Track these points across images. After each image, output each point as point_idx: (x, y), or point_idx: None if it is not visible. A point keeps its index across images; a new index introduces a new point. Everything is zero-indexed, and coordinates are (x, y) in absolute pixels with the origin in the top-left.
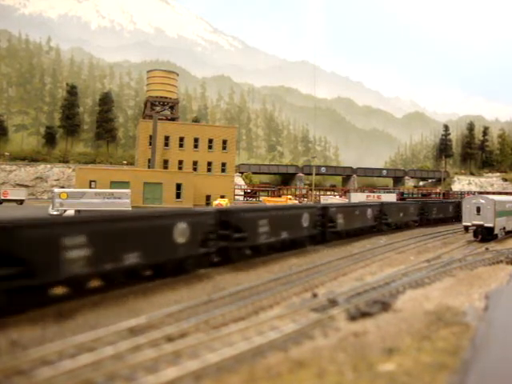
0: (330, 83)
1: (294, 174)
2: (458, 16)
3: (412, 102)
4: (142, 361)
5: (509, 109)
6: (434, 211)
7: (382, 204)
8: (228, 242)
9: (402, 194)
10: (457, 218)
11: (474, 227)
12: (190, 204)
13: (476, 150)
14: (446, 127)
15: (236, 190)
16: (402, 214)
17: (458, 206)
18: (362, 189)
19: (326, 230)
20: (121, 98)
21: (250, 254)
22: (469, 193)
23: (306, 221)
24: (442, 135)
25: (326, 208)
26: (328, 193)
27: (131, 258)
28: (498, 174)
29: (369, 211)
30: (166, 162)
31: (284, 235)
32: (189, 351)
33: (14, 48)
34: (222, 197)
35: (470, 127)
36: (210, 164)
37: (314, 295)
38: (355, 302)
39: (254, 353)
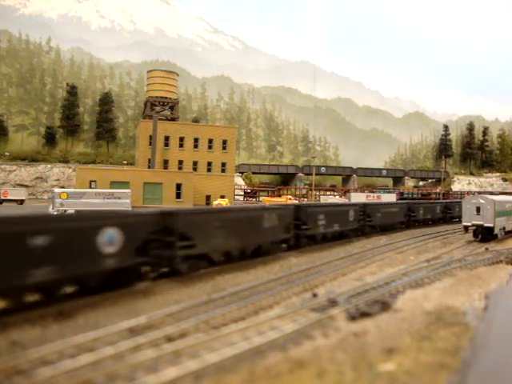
0: (330, 83)
1: (294, 174)
2: (458, 16)
3: (412, 102)
4: (142, 361)
5: (509, 109)
6: (379, 216)
7: (299, 207)
8: None
9: (402, 194)
10: (407, 223)
11: (474, 227)
12: (190, 204)
13: (476, 150)
14: (446, 127)
15: (236, 190)
16: (334, 222)
17: (409, 209)
18: (362, 189)
19: (176, 253)
20: (121, 98)
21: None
22: (468, 193)
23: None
24: (442, 135)
25: (169, 214)
26: (328, 193)
27: None
28: (498, 174)
29: (265, 218)
30: (166, 162)
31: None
32: (189, 351)
33: (14, 48)
34: (222, 197)
35: (470, 127)
36: (209, 164)
37: (314, 295)
38: (355, 302)
39: (253, 353)
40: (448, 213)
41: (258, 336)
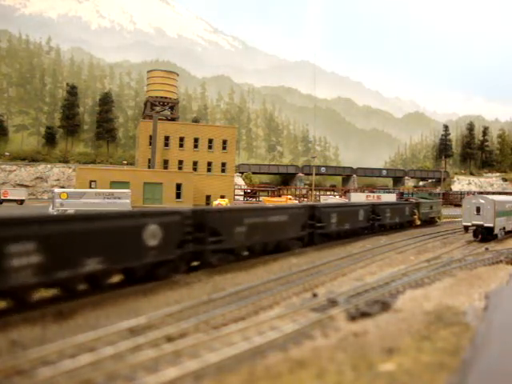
0: (330, 83)
1: (294, 174)
2: (457, 16)
3: (412, 102)
4: (142, 361)
5: (509, 109)
6: (242, 231)
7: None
8: None
9: (402, 193)
10: (308, 238)
11: (474, 227)
12: (190, 204)
13: (476, 150)
14: (446, 127)
15: (236, 190)
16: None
17: (311, 217)
18: (362, 189)
19: None
20: (121, 98)
21: None
22: (468, 193)
23: None
24: (442, 135)
25: None
26: (328, 193)
27: None
28: (498, 174)
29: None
30: (166, 162)
31: None
32: (189, 351)
33: (14, 48)
34: (222, 197)
35: (470, 127)
36: (209, 164)
37: (314, 295)
38: (355, 302)
39: (253, 353)
40: (376, 219)
41: (258, 336)
